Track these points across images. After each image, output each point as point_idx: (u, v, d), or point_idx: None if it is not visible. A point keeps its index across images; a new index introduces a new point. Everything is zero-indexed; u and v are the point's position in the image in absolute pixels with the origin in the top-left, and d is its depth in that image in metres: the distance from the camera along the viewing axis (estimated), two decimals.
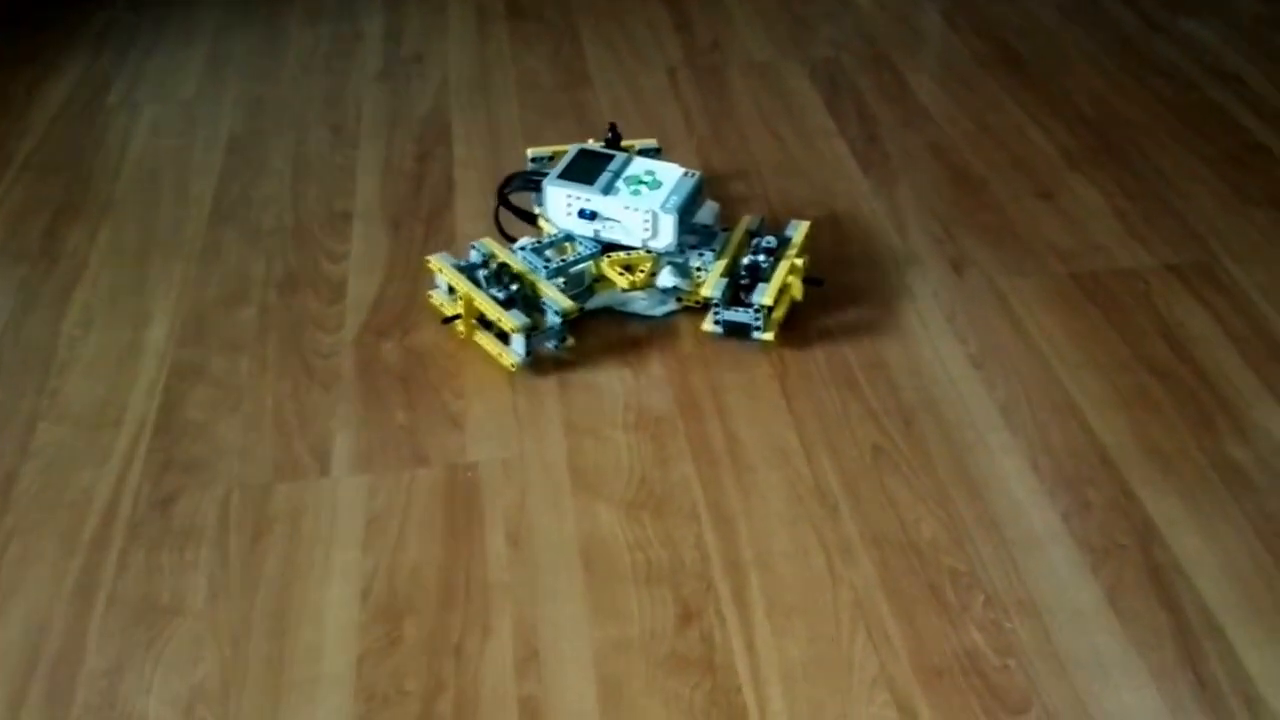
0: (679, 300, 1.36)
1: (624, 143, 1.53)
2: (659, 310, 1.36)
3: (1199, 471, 1.16)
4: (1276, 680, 0.98)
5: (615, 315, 1.36)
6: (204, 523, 1.14)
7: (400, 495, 1.16)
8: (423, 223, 1.53)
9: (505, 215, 1.42)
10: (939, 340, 1.32)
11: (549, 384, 1.28)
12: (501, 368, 1.29)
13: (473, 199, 1.57)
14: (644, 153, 1.50)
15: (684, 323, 1.36)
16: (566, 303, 1.28)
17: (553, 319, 1.28)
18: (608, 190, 1.33)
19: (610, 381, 1.28)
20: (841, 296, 1.39)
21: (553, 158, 1.48)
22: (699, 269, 1.34)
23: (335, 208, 1.56)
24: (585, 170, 1.36)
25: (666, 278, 1.33)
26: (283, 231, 1.52)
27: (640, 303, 1.35)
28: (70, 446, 1.23)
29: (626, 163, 1.38)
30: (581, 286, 1.33)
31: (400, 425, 1.23)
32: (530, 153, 1.54)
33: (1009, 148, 1.66)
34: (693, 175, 1.36)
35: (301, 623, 1.04)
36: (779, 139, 1.69)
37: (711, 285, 1.30)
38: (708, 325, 1.32)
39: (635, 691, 0.98)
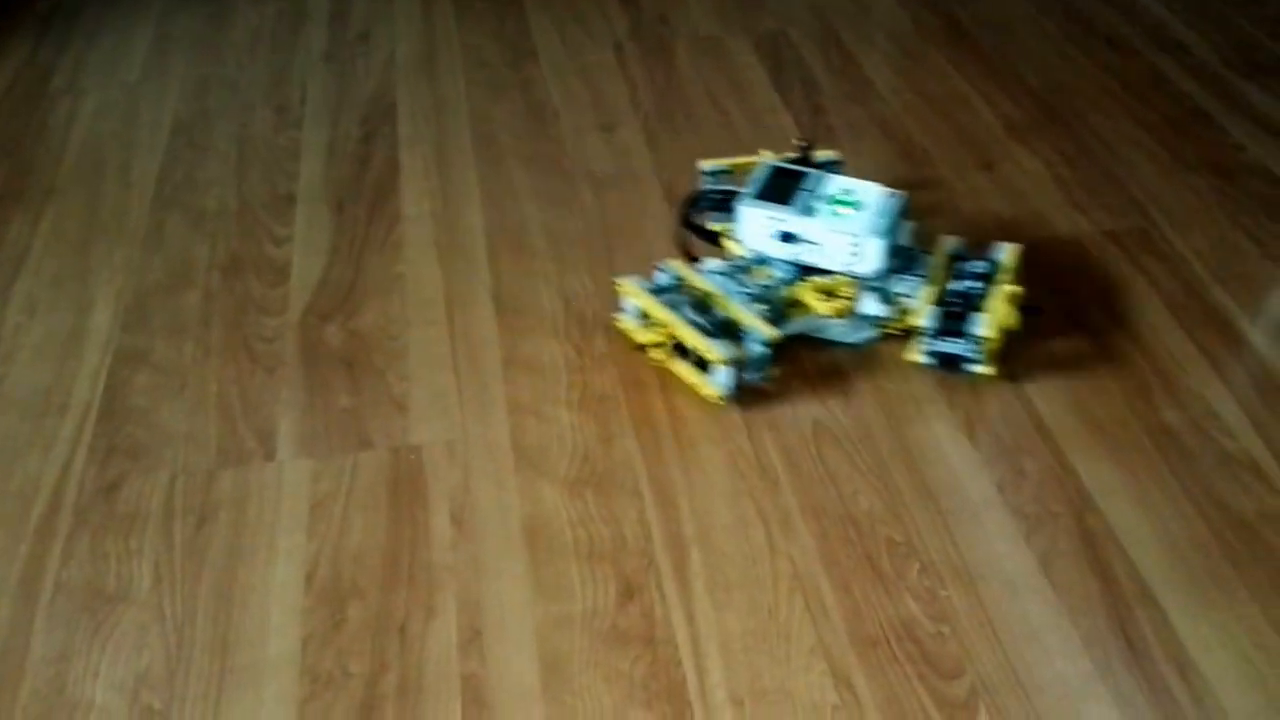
0: (878, 327, 1.28)
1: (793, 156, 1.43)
2: (856, 337, 1.29)
3: (1133, 438, 1.18)
4: (1207, 644, 1.00)
5: (810, 341, 1.29)
6: (148, 509, 1.14)
7: (344, 478, 1.16)
8: (367, 203, 1.53)
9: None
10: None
11: (492, 364, 1.29)
12: (436, 352, 1.30)
13: (417, 179, 1.57)
14: (826, 166, 1.40)
15: (885, 350, 1.29)
16: (772, 331, 1.21)
17: (757, 348, 1.21)
18: (807, 211, 1.26)
19: (553, 359, 1.29)
20: None
21: (729, 171, 1.41)
22: (901, 294, 1.25)
23: (279, 190, 1.56)
24: (781, 189, 1.29)
25: (870, 304, 1.26)
26: (226, 215, 1.52)
27: (837, 329, 1.28)
28: (15, 434, 1.23)
29: (821, 181, 1.30)
30: (775, 311, 1.25)
31: (344, 408, 1.24)
32: (703, 166, 1.43)
33: (953, 119, 1.68)
34: (896, 195, 1.27)
35: (246, 607, 1.05)
36: (725, 114, 1.70)
37: (924, 313, 1.22)
38: (916, 355, 1.24)
39: (577, 667, 0.99)
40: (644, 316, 1.26)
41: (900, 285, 1.26)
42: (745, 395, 1.22)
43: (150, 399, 1.26)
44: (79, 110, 1.75)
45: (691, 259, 1.33)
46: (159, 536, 1.12)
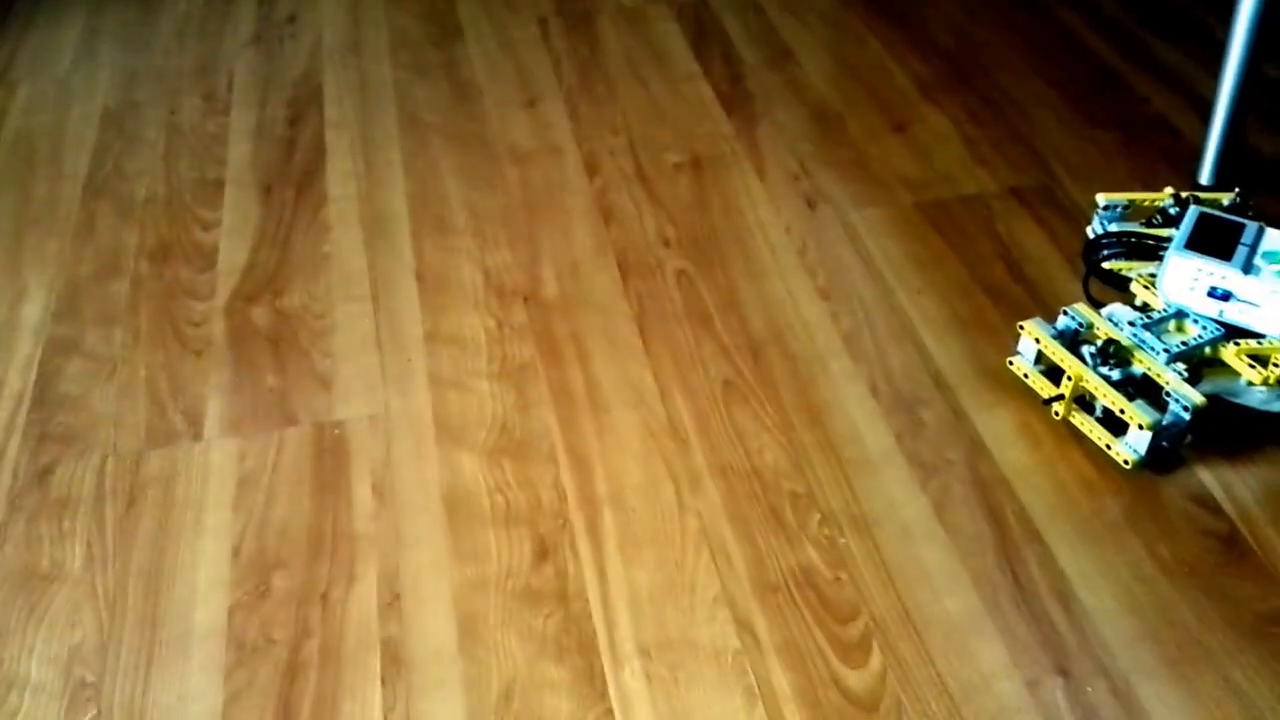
0: None
1: (1205, 195, 1.36)
2: (1277, 405, 1.19)
3: (1027, 387, 1.23)
4: (1087, 577, 1.05)
5: (1220, 404, 1.19)
6: (80, 492, 1.18)
7: (270, 455, 1.20)
8: (294, 186, 1.56)
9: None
10: (789, 275, 1.38)
11: (415, 339, 1.33)
12: (360, 329, 1.34)
13: (343, 160, 1.60)
14: (1233, 210, 1.32)
15: None
16: (1198, 398, 1.13)
17: (1179, 414, 1.14)
18: (1248, 268, 1.19)
19: (474, 333, 1.33)
20: (700, 238, 1.44)
21: (1128, 206, 1.35)
22: None
23: (207, 176, 1.59)
24: (1215, 240, 1.22)
25: None
26: (155, 202, 1.55)
27: (1256, 396, 1.19)
28: None
29: (1260, 234, 1.23)
30: (1191, 371, 1.18)
31: (270, 387, 1.28)
32: (1101, 199, 1.36)
33: (867, 83, 1.72)
34: None
35: (174, 582, 1.09)
36: (645, 85, 1.74)
37: None
38: None
39: (491, 626, 1.04)
40: (1039, 361, 1.22)
41: None
42: (1158, 461, 1.15)
43: (81, 386, 1.29)
44: (11, 103, 1.78)
45: (1096, 304, 1.26)
46: (91, 518, 1.16)
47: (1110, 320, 1.22)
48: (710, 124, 1.65)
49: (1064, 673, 0.99)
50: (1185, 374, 1.16)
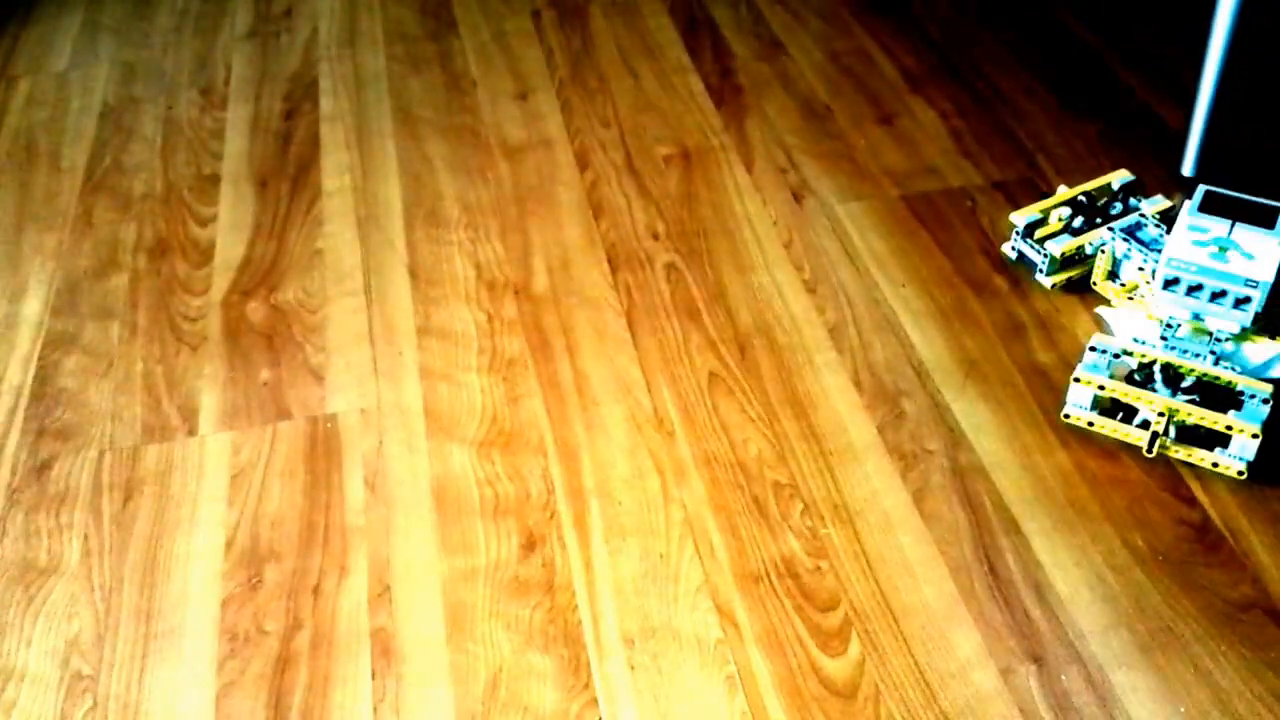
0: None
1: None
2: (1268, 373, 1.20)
3: (1006, 377, 1.25)
4: (1062, 566, 1.07)
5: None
6: (78, 486, 1.21)
7: (263, 448, 1.23)
8: (289, 180, 1.58)
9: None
10: (776, 268, 1.40)
11: (407, 333, 1.35)
12: (353, 323, 1.36)
13: (338, 154, 1.62)
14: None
15: None
16: (1267, 386, 1.15)
17: (1260, 408, 1.14)
18: (1185, 226, 1.22)
19: (465, 326, 1.35)
20: (688, 231, 1.46)
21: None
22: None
23: (204, 171, 1.61)
24: (1230, 206, 1.23)
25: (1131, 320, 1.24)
26: (153, 198, 1.57)
27: (1246, 362, 1.21)
28: None
29: (1255, 234, 1.22)
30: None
31: (264, 381, 1.30)
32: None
33: (856, 75, 1.73)
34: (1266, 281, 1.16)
35: (169, 575, 1.12)
36: (636, 77, 1.75)
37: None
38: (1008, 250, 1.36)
39: (479, 616, 1.06)
40: (1095, 406, 1.18)
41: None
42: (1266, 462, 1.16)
43: (79, 381, 1.32)
44: (11, 99, 1.80)
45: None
46: (88, 511, 1.18)
47: (1140, 342, 1.21)
48: (700, 117, 1.66)
49: (1038, 660, 1.01)
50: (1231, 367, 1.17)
